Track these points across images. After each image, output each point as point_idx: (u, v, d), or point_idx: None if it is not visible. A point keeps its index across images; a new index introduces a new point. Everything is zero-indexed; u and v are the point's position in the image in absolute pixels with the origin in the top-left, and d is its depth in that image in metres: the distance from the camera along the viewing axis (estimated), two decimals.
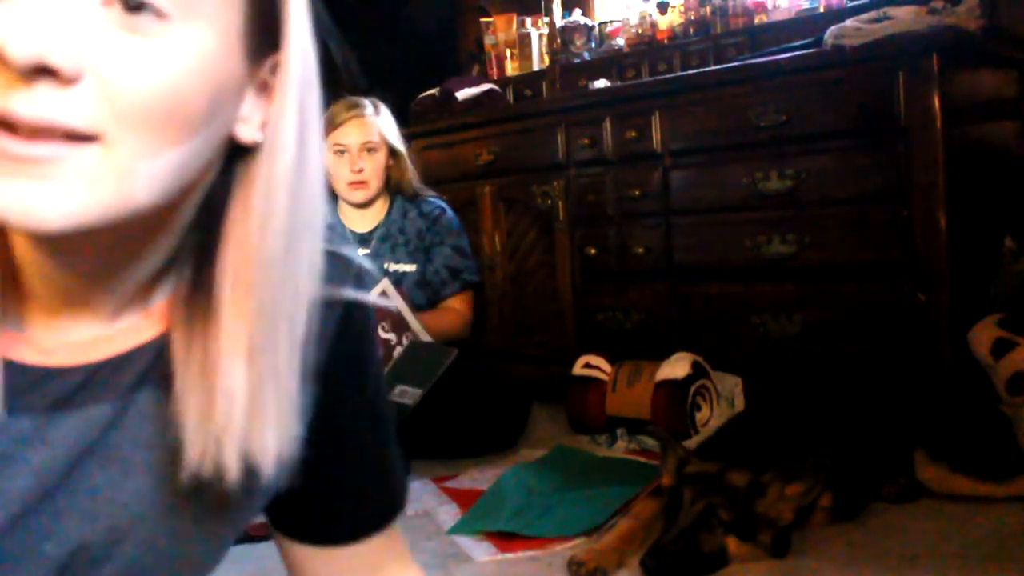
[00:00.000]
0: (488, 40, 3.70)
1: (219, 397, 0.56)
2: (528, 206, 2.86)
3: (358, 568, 0.73)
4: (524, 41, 3.59)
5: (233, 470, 0.56)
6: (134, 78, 0.48)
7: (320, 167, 0.59)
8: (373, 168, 2.52)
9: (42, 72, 0.45)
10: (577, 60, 3.39)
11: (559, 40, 3.34)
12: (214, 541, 0.65)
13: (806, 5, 2.89)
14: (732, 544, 1.48)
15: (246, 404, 0.56)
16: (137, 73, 0.48)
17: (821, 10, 2.78)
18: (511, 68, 3.62)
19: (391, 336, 2.29)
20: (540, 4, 3.38)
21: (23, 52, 0.44)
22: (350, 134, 2.50)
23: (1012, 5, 2.41)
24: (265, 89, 0.57)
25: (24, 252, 0.55)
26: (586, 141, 2.69)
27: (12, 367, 0.55)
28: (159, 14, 0.48)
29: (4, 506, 0.55)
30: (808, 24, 2.70)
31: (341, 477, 0.70)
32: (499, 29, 3.66)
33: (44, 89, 0.46)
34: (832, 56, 2.17)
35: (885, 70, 2.07)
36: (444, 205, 2.65)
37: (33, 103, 0.46)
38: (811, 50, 2.28)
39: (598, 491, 1.87)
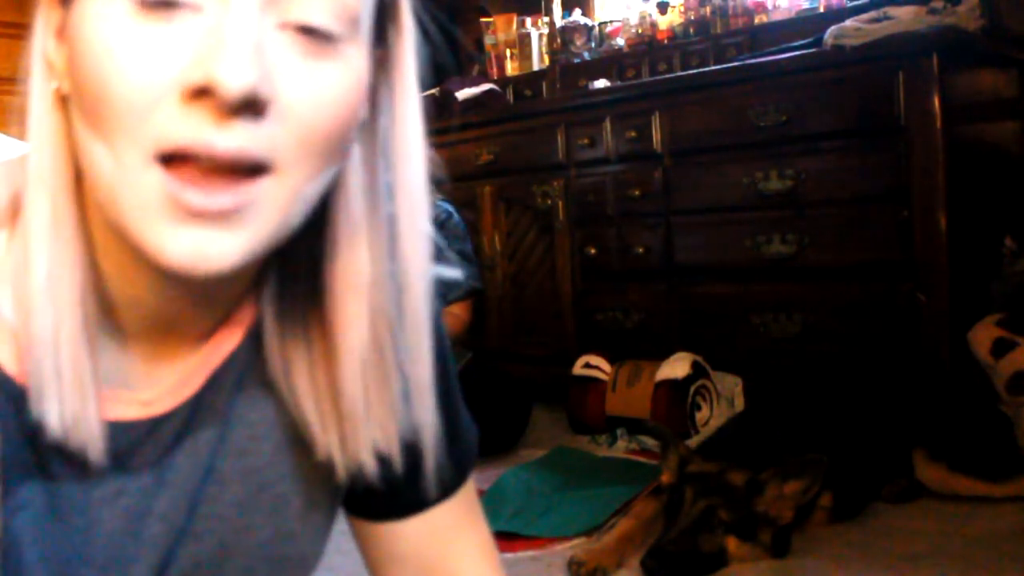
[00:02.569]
0: (488, 40, 3.70)
1: (345, 399, 0.55)
2: (528, 206, 2.86)
3: (430, 538, 0.70)
4: (524, 41, 3.59)
5: (371, 466, 0.57)
6: (314, 104, 0.46)
7: (422, 156, 0.57)
8: None
9: (246, 106, 0.44)
10: (577, 60, 3.38)
11: (559, 40, 3.34)
12: (318, 535, 0.65)
13: (806, 5, 2.89)
14: (732, 544, 1.49)
15: (370, 401, 0.56)
16: (316, 98, 0.46)
17: (821, 10, 2.78)
18: (511, 68, 3.62)
19: None
20: (540, 4, 3.38)
21: (238, 85, 0.42)
22: None
23: (1012, 5, 2.40)
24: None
25: (131, 292, 0.53)
26: (586, 141, 2.69)
27: (120, 427, 0.54)
28: (330, 37, 0.47)
29: (147, 558, 0.56)
30: (808, 24, 2.69)
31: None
32: (499, 29, 3.66)
33: (240, 124, 0.44)
34: (832, 56, 2.17)
35: (885, 70, 2.07)
36: (451, 209, 2.65)
37: (232, 137, 0.44)
38: (811, 50, 2.28)
39: (598, 491, 1.87)
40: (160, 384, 0.56)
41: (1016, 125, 2.38)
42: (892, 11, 2.16)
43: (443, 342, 0.70)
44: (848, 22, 2.18)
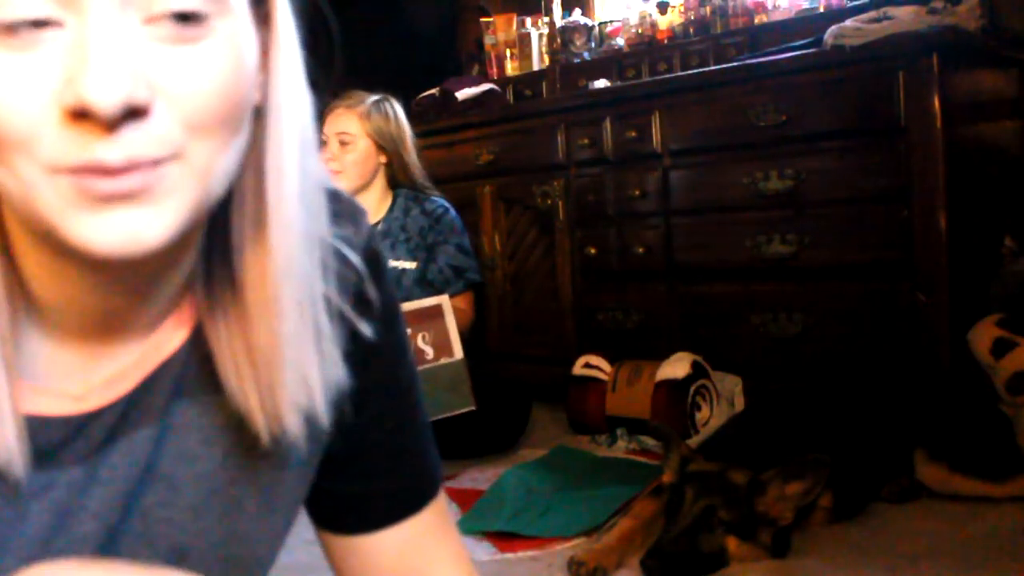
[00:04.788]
0: (488, 40, 3.70)
1: (259, 360, 0.56)
2: (528, 206, 2.86)
3: (404, 550, 0.70)
4: (524, 41, 3.59)
5: (295, 425, 0.57)
6: (197, 88, 0.47)
7: (310, 121, 0.57)
8: (349, 160, 2.52)
9: (127, 115, 0.44)
10: (577, 60, 3.38)
11: (559, 40, 3.34)
12: (274, 537, 0.65)
13: (806, 5, 2.89)
14: (732, 544, 1.48)
15: (286, 359, 0.56)
16: (199, 82, 0.47)
17: (821, 10, 2.78)
18: (511, 68, 3.62)
19: (428, 350, 2.22)
20: (540, 4, 3.38)
21: (112, 101, 0.43)
22: (329, 124, 2.52)
23: (1012, 5, 2.41)
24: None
25: (59, 291, 0.53)
26: (586, 141, 2.69)
27: (49, 421, 0.54)
28: (198, 17, 0.47)
29: (78, 555, 0.55)
30: (808, 24, 2.69)
31: (372, 456, 0.69)
32: (499, 29, 3.66)
33: (127, 131, 0.45)
34: (832, 56, 2.17)
35: (885, 70, 2.07)
36: (447, 204, 2.65)
37: (120, 148, 0.45)
38: (811, 50, 2.28)
39: (598, 491, 1.87)
40: (89, 379, 0.56)
41: (1016, 125, 2.38)
42: (892, 11, 2.16)
43: (411, 366, 0.71)
44: (848, 22, 2.18)
